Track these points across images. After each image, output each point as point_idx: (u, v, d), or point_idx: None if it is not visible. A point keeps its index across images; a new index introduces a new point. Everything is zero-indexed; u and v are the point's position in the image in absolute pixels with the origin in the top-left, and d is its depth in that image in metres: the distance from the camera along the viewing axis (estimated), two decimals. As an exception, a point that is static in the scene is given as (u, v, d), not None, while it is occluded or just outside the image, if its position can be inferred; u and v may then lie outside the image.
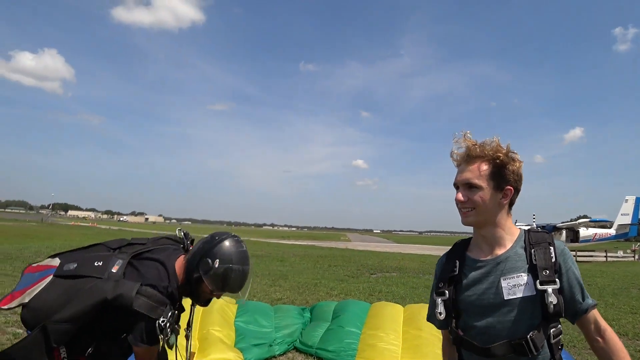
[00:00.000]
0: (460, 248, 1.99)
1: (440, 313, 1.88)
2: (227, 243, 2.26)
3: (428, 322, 5.90)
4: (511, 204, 1.88)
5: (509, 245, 1.84)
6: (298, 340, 5.93)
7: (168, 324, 2.08)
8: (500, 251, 1.84)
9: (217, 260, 2.20)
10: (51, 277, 2.14)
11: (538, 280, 1.71)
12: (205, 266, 2.20)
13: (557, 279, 1.72)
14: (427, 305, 6.32)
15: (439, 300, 1.90)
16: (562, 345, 1.80)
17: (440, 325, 1.98)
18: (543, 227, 33.59)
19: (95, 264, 2.15)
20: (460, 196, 1.84)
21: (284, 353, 5.72)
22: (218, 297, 2.38)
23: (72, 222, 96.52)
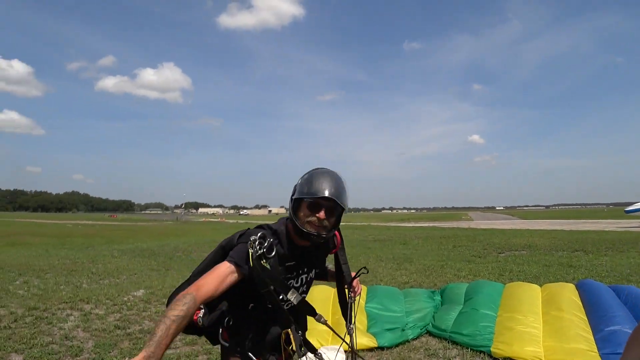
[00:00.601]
0: None
1: None
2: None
3: (570, 303, 5.50)
4: None
5: None
6: (430, 324, 5.82)
7: (258, 242, 2.07)
8: None
9: (304, 175, 2.31)
10: None
11: None
12: (295, 186, 2.29)
13: None
14: (567, 284, 5.88)
15: None
16: None
17: None
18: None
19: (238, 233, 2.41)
20: None
21: (417, 337, 5.64)
22: (319, 217, 2.19)
23: (203, 219, 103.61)
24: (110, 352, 5.27)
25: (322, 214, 2.18)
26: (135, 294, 8.50)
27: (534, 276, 10.43)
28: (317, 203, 2.19)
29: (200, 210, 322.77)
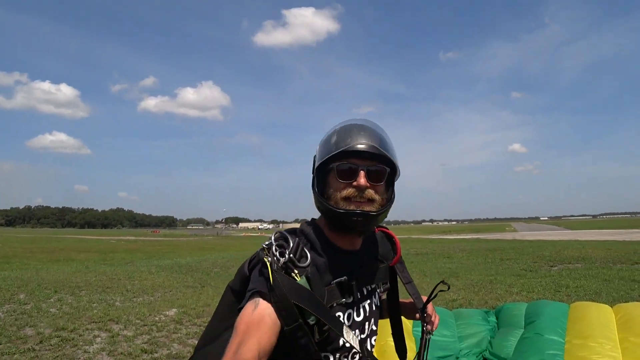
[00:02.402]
0: None
1: None
2: None
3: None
4: None
5: None
6: (488, 350, 5.15)
7: (275, 246, 1.33)
8: None
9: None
10: None
11: None
12: (315, 156, 1.49)
13: None
14: (644, 303, 5.02)
15: None
16: None
17: None
18: None
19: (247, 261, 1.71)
20: None
21: (473, 366, 5.02)
22: (358, 185, 1.35)
23: (243, 234, 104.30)
24: (133, 381, 4.86)
25: (362, 180, 1.36)
26: (167, 313, 8.13)
27: (595, 292, 9.58)
28: (351, 164, 1.37)
29: (241, 225, 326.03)
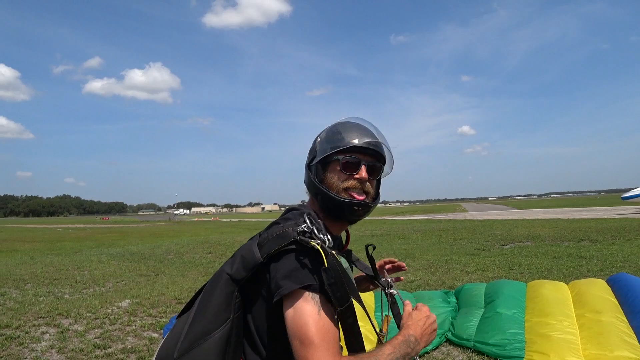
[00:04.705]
0: None
1: None
2: None
3: (606, 303, 4.83)
4: None
5: None
6: (450, 332, 5.17)
7: (316, 227, 1.36)
8: None
9: (321, 133, 1.65)
10: None
11: None
12: (313, 147, 1.62)
13: None
14: (597, 280, 5.20)
15: None
16: None
17: None
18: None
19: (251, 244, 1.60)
20: None
21: (437, 347, 5.00)
22: (360, 178, 1.52)
23: (196, 218, 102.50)
24: (85, 379, 4.59)
25: (363, 173, 1.53)
26: (120, 304, 7.80)
27: (546, 269, 9.88)
28: (355, 159, 1.53)
29: (193, 209, 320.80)
